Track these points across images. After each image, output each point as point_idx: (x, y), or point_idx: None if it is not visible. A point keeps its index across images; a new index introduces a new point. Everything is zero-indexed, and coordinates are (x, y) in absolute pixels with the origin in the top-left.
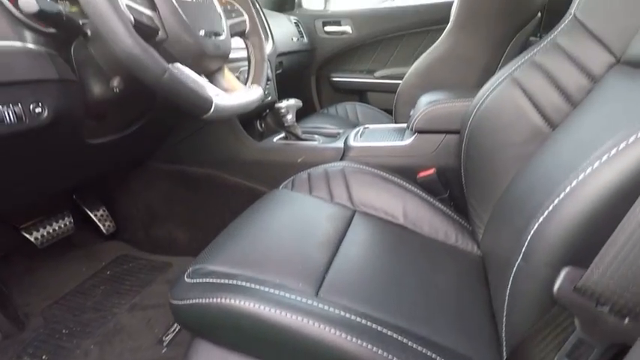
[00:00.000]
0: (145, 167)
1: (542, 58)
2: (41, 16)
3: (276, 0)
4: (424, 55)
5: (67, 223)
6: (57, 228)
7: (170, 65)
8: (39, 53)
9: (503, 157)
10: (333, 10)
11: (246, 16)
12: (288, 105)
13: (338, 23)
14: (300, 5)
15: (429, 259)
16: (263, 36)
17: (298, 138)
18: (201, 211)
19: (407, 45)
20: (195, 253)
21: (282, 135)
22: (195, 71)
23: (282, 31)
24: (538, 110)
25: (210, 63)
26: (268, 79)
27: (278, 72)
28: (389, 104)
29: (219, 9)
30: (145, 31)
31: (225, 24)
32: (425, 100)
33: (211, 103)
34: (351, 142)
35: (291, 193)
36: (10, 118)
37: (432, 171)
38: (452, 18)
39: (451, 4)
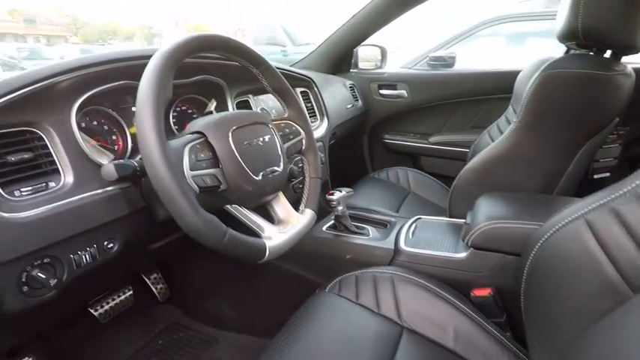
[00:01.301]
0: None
1: (622, 207)
2: (120, 180)
3: (332, 63)
4: (483, 151)
5: (128, 296)
6: (119, 302)
7: (229, 207)
8: (115, 194)
9: (570, 305)
10: (390, 73)
11: (303, 134)
12: (340, 197)
13: (394, 87)
14: (356, 65)
15: None
16: (318, 152)
17: (348, 229)
18: (250, 292)
19: (464, 112)
20: (240, 330)
21: (332, 223)
22: (252, 206)
23: (337, 102)
24: (614, 264)
25: (266, 198)
26: (321, 162)
27: (331, 142)
28: (442, 170)
29: (279, 144)
30: (207, 189)
31: (283, 157)
32: (483, 211)
33: (265, 251)
34: (402, 246)
35: (337, 300)
36: (85, 260)
37: (487, 292)
38: (518, 116)
39: (514, 73)
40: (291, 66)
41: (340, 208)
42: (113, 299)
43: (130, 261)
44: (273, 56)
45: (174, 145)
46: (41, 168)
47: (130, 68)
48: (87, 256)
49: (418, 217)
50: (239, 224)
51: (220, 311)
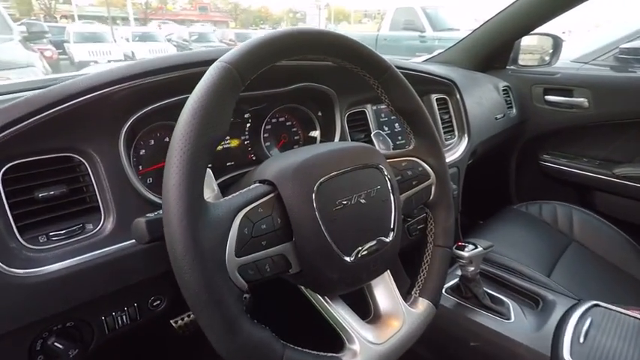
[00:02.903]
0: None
1: None
2: (153, 240)
3: (482, 57)
4: None
5: None
6: None
7: (302, 288)
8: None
9: None
10: (565, 73)
11: (433, 179)
12: (473, 255)
13: (569, 93)
14: (515, 61)
15: None
16: (452, 206)
17: (477, 300)
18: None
19: None
20: None
21: (455, 282)
22: (336, 295)
23: (484, 111)
24: None
25: (360, 285)
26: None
27: (469, 163)
28: (631, 216)
29: (394, 200)
30: (263, 279)
31: (397, 221)
32: None
33: None
34: (566, 356)
35: None
36: (121, 322)
37: None
38: None
39: None
40: (427, 60)
41: (471, 269)
42: None
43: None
44: (408, 42)
45: (220, 210)
46: (79, 205)
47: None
48: (124, 317)
49: (594, 303)
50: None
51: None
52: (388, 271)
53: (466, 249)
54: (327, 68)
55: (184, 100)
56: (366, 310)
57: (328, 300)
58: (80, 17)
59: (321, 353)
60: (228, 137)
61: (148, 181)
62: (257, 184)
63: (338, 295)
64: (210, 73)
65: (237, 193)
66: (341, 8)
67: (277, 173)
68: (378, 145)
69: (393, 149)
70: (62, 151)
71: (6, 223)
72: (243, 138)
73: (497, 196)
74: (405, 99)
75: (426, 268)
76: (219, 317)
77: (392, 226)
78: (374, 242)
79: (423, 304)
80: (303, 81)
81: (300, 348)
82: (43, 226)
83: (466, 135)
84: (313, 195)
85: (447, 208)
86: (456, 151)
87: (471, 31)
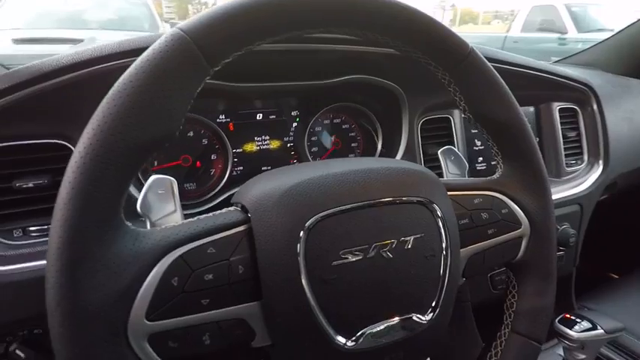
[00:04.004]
0: None
1: None
2: None
3: (632, 56)
4: None
5: None
6: None
7: None
8: None
9: None
10: None
11: (524, 227)
12: (589, 339)
13: None
14: None
15: None
16: (553, 276)
17: None
18: None
19: None
20: None
21: None
22: None
23: (635, 130)
24: None
25: None
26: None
27: (602, 198)
28: None
29: (448, 256)
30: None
31: (445, 288)
32: None
33: None
34: None
35: None
36: None
37: None
38: None
39: None
40: (559, 61)
41: (582, 357)
42: None
43: None
44: (543, 45)
45: (142, 245)
46: None
47: None
48: None
49: None
50: None
51: None
52: None
53: (576, 327)
54: (393, 57)
55: (211, 85)
56: None
57: None
58: None
59: None
60: (267, 137)
61: None
62: (226, 210)
63: None
64: (153, 46)
65: (194, 218)
66: (468, 9)
67: (258, 197)
68: (445, 168)
69: (473, 176)
70: (47, 137)
71: None
72: (286, 139)
73: (633, 247)
74: (493, 102)
75: None
76: None
77: (434, 301)
78: (396, 321)
79: None
80: (358, 72)
81: None
82: (21, 219)
83: (601, 161)
84: (301, 234)
85: (543, 278)
86: (582, 181)
87: (626, 26)
